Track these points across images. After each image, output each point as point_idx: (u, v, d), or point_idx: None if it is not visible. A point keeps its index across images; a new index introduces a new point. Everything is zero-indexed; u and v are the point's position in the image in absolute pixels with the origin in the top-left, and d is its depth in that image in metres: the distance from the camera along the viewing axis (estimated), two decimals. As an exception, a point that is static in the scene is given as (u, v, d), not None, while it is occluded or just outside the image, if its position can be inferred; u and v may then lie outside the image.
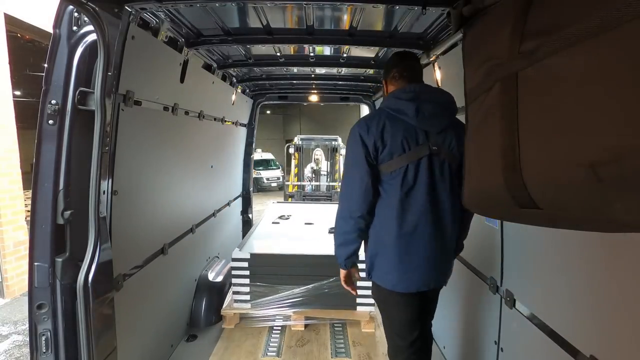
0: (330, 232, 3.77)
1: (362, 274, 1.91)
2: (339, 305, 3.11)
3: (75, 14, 1.65)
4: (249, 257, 3.14)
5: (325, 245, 3.28)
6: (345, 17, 2.41)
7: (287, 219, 4.55)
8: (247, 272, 3.12)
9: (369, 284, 2.74)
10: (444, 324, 2.88)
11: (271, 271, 3.13)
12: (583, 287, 1.33)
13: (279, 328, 3.15)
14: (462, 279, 2.45)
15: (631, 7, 0.66)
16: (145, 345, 2.41)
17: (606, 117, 0.73)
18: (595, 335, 1.25)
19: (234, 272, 3.14)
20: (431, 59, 2.57)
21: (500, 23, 1.06)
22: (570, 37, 0.79)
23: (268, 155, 17.73)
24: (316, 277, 3.10)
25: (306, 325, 3.16)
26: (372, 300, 2.90)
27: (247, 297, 3.14)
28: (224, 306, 3.22)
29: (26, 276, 1.67)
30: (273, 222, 4.42)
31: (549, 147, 0.87)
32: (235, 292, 3.18)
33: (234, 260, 3.13)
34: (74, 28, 1.66)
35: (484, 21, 1.22)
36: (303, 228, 4.17)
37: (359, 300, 3.08)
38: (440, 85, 2.63)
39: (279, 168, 17.21)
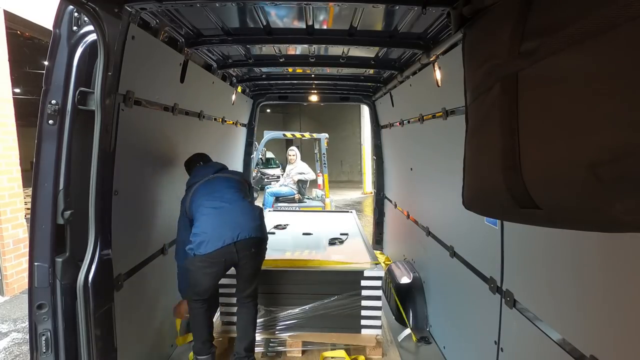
0: (331, 243, 3.49)
1: None
2: (342, 328, 2.77)
3: (75, 14, 1.66)
4: None
5: (325, 259, 3.05)
6: (345, 17, 2.41)
7: (283, 228, 4.13)
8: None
9: (371, 302, 2.75)
10: (444, 324, 2.88)
11: (264, 289, 2.77)
12: (583, 287, 1.33)
13: (273, 354, 2.76)
14: (462, 279, 2.45)
15: (631, 7, 0.66)
16: (145, 345, 2.41)
17: (606, 117, 0.73)
18: (595, 335, 1.25)
19: (221, 290, 2.81)
20: (431, 59, 2.57)
21: (500, 23, 1.06)
22: (570, 37, 0.79)
23: (268, 154, 17.78)
24: (315, 295, 2.75)
25: (304, 352, 2.77)
26: (379, 323, 2.78)
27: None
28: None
29: (25, 274, 1.68)
30: (268, 233, 4.08)
31: (549, 147, 0.87)
32: (223, 313, 2.85)
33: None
34: (74, 28, 1.66)
35: (484, 21, 1.22)
36: (301, 239, 3.74)
37: (364, 322, 2.77)
38: (440, 85, 2.63)
39: (278, 167, 17.23)
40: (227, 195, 2.53)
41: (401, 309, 3.28)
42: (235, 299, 2.62)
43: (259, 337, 2.81)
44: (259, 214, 2.60)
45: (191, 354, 2.78)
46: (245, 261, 2.44)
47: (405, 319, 3.21)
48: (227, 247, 2.33)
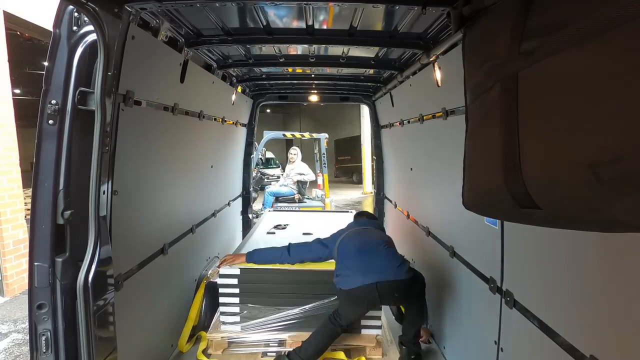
0: None
1: None
2: None
3: (75, 14, 1.65)
4: (238, 272, 2.79)
5: None
6: (345, 17, 2.41)
7: (283, 228, 4.09)
8: (236, 290, 2.80)
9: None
10: (444, 324, 2.88)
11: (264, 289, 2.79)
12: (583, 287, 1.33)
13: (273, 354, 2.73)
14: (462, 279, 2.45)
15: (631, 7, 0.66)
16: (145, 345, 2.41)
17: (606, 117, 0.73)
18: (595, 335, 1.25)
19: (221, 290, 2.82)
20: (431, 59, 2.57)
21: (500, 23, 1.06)
22: (570, 37, 0.79)
23: (268, 154, 17.78)
24: (315, 295, 2.76)
25: None
26: (379, 323, 2.79)
27: (237, 319, 2.80)
28: (209, 329, 2.90)
29: (25, 274, 1.67)
30: (268, 232, 3.94)
31: (549, 147, 0.87)
32: (222, 313, 2.84)
33: (222, 276, 2.81)
34: (74, 28, 1.66)
35: (484, 21, 1.22)
36: (301, 239, 3.62)
37: (364, 322, 2.78)
38: (440, 85, 2.63)
39: (278, 167, 17.24)
40: (373, 243, 2.71)
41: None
42: None
43: (259, 337, 2.81)
44: (401, 262, 2.64)
45: (199, 352, 2.77)
46: (389, 302, 2.75)
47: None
48: (368, 287, 2.45)
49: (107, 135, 1.74)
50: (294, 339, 2.75)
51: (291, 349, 2.57)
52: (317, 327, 2.59)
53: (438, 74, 2.62)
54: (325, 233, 3.77)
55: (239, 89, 4.28)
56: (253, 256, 2.82)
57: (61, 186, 1.64)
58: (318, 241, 2.88)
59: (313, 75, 4.23)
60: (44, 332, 1.64)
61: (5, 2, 4.91)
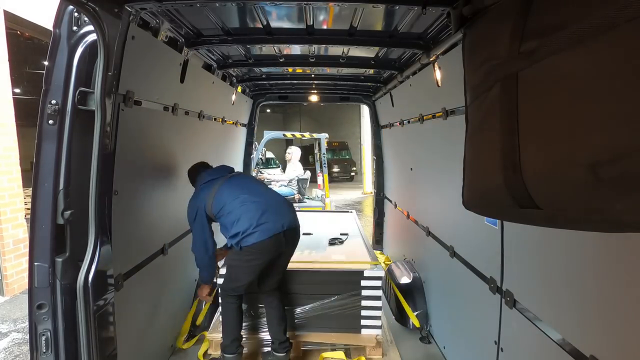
0: (331, 243, 3.50)
1: None
2: (342, 328, 2.78)
3: (75, 14, 1.65)
4: None
5: (325, 259, 3.05)
6: (345, 17, 2.41)
7: None
8: None
9: (371, 302, 2.78)
10: (444, 324, 2.88)
11: None
12: (583, 287, 1.33)
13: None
14: (462, 279, 2.45)
15: (631, 7, 0.66)
16: (145, 345, 2.41)
17: (606, 117, 0.73)
18: (595, 335, 1.25)
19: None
20: (431, 59, 2.57)
21: (500, 23, 1.06)
22: (570, 37, 0.79)
23: (268, 154, 17.77)
24: (315, 295, 2.75)
25: (304, 352, 2.78)
26: (379, 323, 2.82)
27: None
28: (209, 329, 2.89)
29: (25, 274, 1.67)
30: None
31: (549, 147, 0.87)
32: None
33: (221, 276, 2.78)
34: (74, 28, 1.66)
35: (484, 21, 1.22)
36: (301, 239, 3.59)
37: (364, 322, 2.79)
38: (440, 85, 2.63)
39: (278, 167, 17.24)
40: (260, 189, 2.64)
41: (403, 302, 3.27)
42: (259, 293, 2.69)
43: (259, 337, 2.81)
44: (292, 205, 2.73)
45: (200, 352, 2.78)
46: (287, 250, 2.56)
47: (409, 309, 3.20)
48: (277, 236, 2.42)
49: (107, 135, 1.74)
50: (293, 339, 2.76)
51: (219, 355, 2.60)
52: (222, 314, 2.56)
53: (438, 74, 2.62)
54: (325, 233, 3.78)
55: (239, 89, 4.28)
56: (205, 281, 2.65)
57: (61, 186, 1.64)
58: (195, 219, 2.51)
59: (313, 75, 4.23)
60: (44, 332, 1.64)
61: (5, 1, 4.91)
